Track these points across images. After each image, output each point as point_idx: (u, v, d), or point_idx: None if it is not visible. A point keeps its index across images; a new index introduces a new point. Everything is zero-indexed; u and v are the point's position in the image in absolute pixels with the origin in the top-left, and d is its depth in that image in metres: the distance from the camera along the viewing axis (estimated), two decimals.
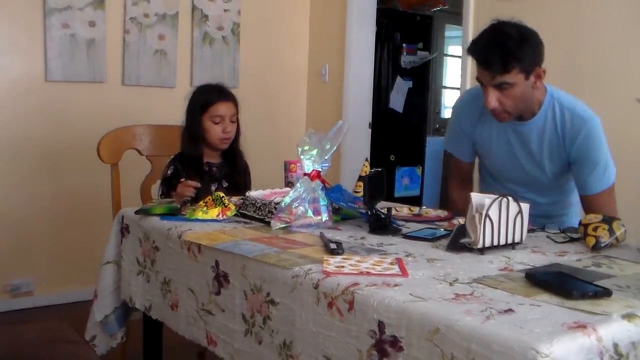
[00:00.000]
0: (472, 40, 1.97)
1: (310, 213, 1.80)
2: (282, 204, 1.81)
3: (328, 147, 1.83)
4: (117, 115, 3.36)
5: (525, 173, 2.08)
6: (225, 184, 2.38)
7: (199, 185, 2.17)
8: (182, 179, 2.23)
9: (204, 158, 2.37)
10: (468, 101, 2.18)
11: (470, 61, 2.52)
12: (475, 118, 2.12)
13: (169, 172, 2.32)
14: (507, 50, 1.81)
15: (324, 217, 1.81)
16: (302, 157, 1.85)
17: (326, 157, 1.84)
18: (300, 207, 1.80)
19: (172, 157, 2.37)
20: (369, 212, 1.82)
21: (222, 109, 2.34)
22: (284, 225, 1.80)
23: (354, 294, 1.24)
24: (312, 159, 1.83)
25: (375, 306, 1.19)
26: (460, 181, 2.32)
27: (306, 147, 1.84)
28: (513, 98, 1.87)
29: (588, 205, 2.00)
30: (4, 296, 3.38)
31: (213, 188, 2.32)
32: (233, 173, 2.41)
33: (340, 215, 1.94)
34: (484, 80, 1.88)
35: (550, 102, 1.98)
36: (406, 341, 1.14)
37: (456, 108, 2.28)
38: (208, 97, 2.36)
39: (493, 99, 1.87)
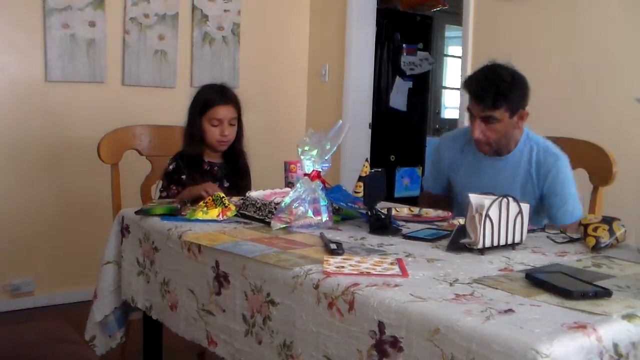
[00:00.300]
0: (469, 76, 2.21)
1: (310, 213, 1.80)
2: (282, 204, 1.81)
3: (328, 147, 1.83)
4: (117, 115, 3.35)
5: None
6: (226, 184, 2.38)
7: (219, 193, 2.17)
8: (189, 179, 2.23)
9: (205, 157, 2.37)
10: (452, 136, 2.43)
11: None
12: (457, 152, 2.32)
13: (171, 167, 2.33)
14: (499, 90, 2.04)
15: (324, 217, 1.81)
16: (302, 157, 1.85)
17: (326, 158, 1.84)
18: (301, 208, 1.80)
19: (174, 154, 2.37)
20: (369, 212, 1.82)
21: (221, 112, 2.32)
22: (284, 226, 1.80)
23: (354, 294, 1.24)
24: (312, 159, 1.83)
25: (376, 306, 1.19)
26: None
27: (306, 148, 1.84)
28: (496, 132, 2.09)
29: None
30: (4, 296, 3.38)
31: None
32: (233, 174, 2.41)
33: (340, 216, 1.94)
34: (474, 111, 2.09)
35: (525, 141, 2.18)
36: (406, 341, 1.14)
37: (440, 141, 2.47)
38: (208, 98, 2.35)
39: (478, 130, 2.09)
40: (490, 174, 2.20)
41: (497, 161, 2.19)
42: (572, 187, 2.14)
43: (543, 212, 2.18)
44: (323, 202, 1.82)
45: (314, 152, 1.83)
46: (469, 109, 2.12)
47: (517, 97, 2.07)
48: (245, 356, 1.53)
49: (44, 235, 3.45)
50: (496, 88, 2.03)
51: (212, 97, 2.35)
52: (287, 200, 1.81)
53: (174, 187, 2.28)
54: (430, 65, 5.41)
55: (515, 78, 2.08)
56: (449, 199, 2.41)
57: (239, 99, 2.41)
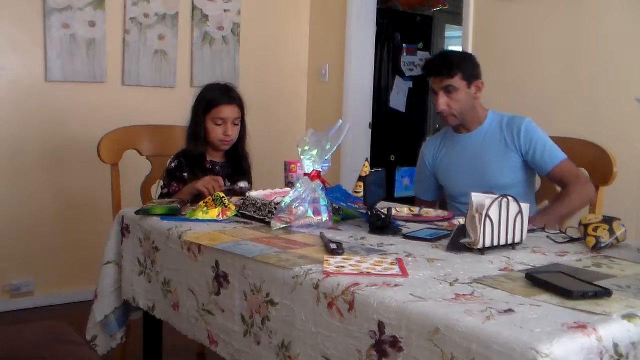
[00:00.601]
0: (424, 61, 2.46)
1: (310, 213, 1.80)
2: (282, 204, 1.81)
3: (328, 146, 1.83)
4: (117, 115, 3.36)
5: (480, 182, 2.22)
6: (227, 184, 2.38)
7: (223, 187, 2.18)
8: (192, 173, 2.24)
9: (207, 156, 2.38)
10: (430, 139, 2.60)
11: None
12: (436, 148, 2.50)
13: (173, 164, 2.33)
14: (451, 60, 2.34)
15: (324, 217, 1.81)
16: (302, 157, 1.85)
17: (326, 157, 1.84)
18: (300, 207, 1.80)
19: (176, 152, 2.37)
20: (369, 212, 1.82)
21: (225, 111, 2.33)
22: (283, 225, 1.80)
23: (354, 294, 1.24)
24: (312, 159, 1.83)
25: (375, 306, 1.19)
26: None
27: (306, 147, 1.84)
28: (458, 102, 2.29)
29: (558, 177, 2.25)
30: (4, 296, 3.38)
31: None
32: (235, 173, 2.41)
33: (340, 215, 1.94)
34: (435, 86, 2.31)
35: (493, 116, 2.37)
36: (406, 341, 1.14)
37: (422, 148, 2.59)
38: (213, 98, 2.35)
39: (443, 101, 2.29)
40: (469, 149, 2.37)
41: (471, 136, 2.37)
42: (545, 136, 2.28)
43: (531, 171, 2.32)
44: (323, 202, 1.82)
45: (314, 152, 1.83)
46: (431, 89, 2.34)
47: (469, 66, 2.32)
48: (244, 356, 1.53)
49: (44, 235, 3.45)
50: (448, 59, 2.34)
51: (216, 97, 2.36)
52: (287, 200, 1.81)
53: (175, 184, 2.29)
54: None
55: (463, 52, 2.41)
56: (436, 205, 2.53)
57: (243, 99, 2.41)
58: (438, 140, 2.51)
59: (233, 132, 2.36)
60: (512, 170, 2.29)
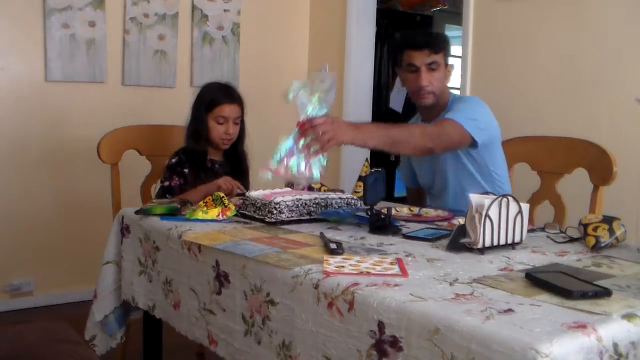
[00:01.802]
0: (400, 36, 2.51)
1: (302, 168, 1.72)
2: (276, 154, 1.73)
3: (327, 93, 1.74)
4: (117, 115, 3.36)
5: (433, 169, 2.30)
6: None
7: (241, 190, 2.20)
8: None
9: (207, 155, 2.38)
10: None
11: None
12: None
13: (174, 160, 2.34)
14: (437, 36, 2.41)
15: (316, 174, 1.75)
16: (299, 102, 1.73)
17: (327, 103, 1.73)
18: (292, 159, 1.73)
19: (176, 149, 2.38)
20: (369, 212, 1.81)
21: (227, 110, 2.35)
22: (270, 176, 1.73)
23: (354, 294, 1.24)
24: (312, 105, 1.72)
25: (375, 306, 1.19)
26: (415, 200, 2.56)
27: (303, 92, 1.72)
28: (438, 80, 2.26)
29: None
30: (4, 296, 3.38)
31: None
32: (234, 172, 2.42)
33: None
34: (418, 61, 2.23)
35: (451, 102, 2.32)
36: (406, 341, 1.14)
37: None
38: (214, 96, 2.37)
39: (426, 77, 2.23)
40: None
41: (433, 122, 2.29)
42: (468, 106, 2.22)
43: (478, 153, 2.25)
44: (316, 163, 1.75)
45: (315, 97, 1.74)
46: (408, 65, 2.25)
47: (449, 48, 2.32)
48: (245, 356, 1.53)
49: (44, 235, 3.45)
50: (435, 35, 2.38)
51: (219, 96, 2.38)
52: (282, 149, 1.72)
53: (176, 179, 2.29)
54: None
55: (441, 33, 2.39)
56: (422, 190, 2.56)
57: (243, 99, 2.43)
58: None
59: (234, 131, 2.38)
60: (455, 156, 2.26)
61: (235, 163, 2.45)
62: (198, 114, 2.37)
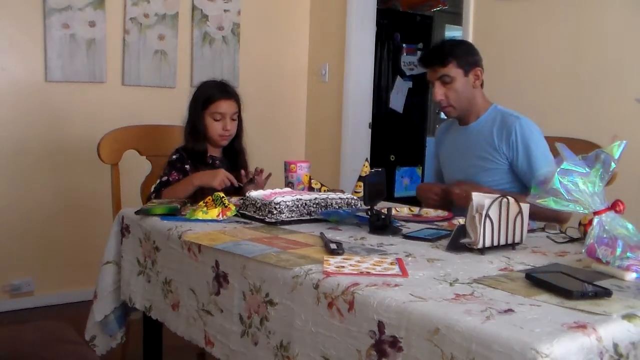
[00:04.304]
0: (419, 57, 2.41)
1: None
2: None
3: None
4: (117, 115, 3.36)
5: (465, 179, 2.22)
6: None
7: (236, 184, 2.21)
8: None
9: (207, 152, 2.39)
10: (443, 123, 2.57)
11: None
12: (443, 132, 2.49)
13: (175, 157, 2.34)
14: (443, 48, 2.25)
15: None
16: None
17: None
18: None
19: (177, 148, 2.38)
20: (369, 212, 1.81)
21: (224, 106, 2.35)
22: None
23: (354, 294, 1.24)
24: None
25: (375, 306, 1.19)
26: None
27: None
28: (455, 92, 2.20)
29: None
30: (4, 296, 3.38)
31: None
32: (233, 169, 2.42)
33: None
34: (431, 77, 2.23)
35: (492, 111, 2.27)
36: (406, 341, 1.14)
37: (436, 133, 2.64)
38: (210, 93, 2.37)
39: (440, 92, 2.21)
40: (461, 143, 2.31)
41: (466, 129, 2.30)
42: (539, 142, 2.16)
43: (516, 177, 2.19)
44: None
45: None
46: (428, 81, 2.26)
47: (463, 52, 2.22)
48: (241, 357, 1.53)
49: (44, 235, 3.45)
50: (440, 48, 2.26)
51: (214, 92, 2.37)
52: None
53: (175, 173, 2.29)
54: None
55: (458, 40, 2.33)
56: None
57: (239, 95, 2.44)
58: (446, 126, 2.48)
59: (232, 127, 2.38)
60: (497, 172, 2.21)
61: (234, 160, 2.45)
62: (195, 112, 2.37)
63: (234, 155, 2.46)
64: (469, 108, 2.25)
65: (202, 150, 2.37)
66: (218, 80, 2.46)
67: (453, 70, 2.18)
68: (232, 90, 2.42)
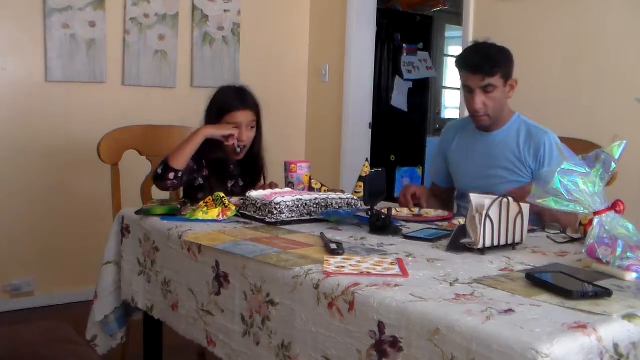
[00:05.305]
0: (459, 55, 2.28)
1: None
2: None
3: None
4: (117, 115, 3.36)
5: (483, 187, 2.11)
6: (241, 183, 2.38)
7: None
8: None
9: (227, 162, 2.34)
10: (452, 123, 2.53)
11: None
12: (452, 136, 2.40)
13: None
14: (491, 57, 2.15)
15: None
16: None
17: None
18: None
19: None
20: (369, 212, 1.81)
21: (239, 117, 2.29)
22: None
23: (354, 294, 1.24)
24: None
25: (375, 306, 1.19)
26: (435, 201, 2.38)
27: None
28: (494, 101, 2.15)
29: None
30: (4, 296, 3.38)
31: (230, 184, 2.33)
32: (248, 175, 2.40)
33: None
34: (473, 84, 2.15)
35: (516, 119, 2.25)
36: (406, 341, 1.14)
37: (442, 132, 2.52)
38: (226, 102, 2.31)
39: (479, 100, 2.14)
40: (480, 149, 2.26)
41: (488, 136, 2.25)
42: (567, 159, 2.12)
43: None
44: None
45: None
46: (465, 85, 2.19)
47: (507, 63, 2.18)
48: (242, 357, 1.53)
49: (44, 235, 3.45)
50: (489, 56, 2.15)
51: (230, 102, 2.31)
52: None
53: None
54: (428, 71, 5.39)
55: (501, 47, 2.20)
56: (451, 192, 2.45)
57: (258, 102, 2.38)
58: (457, 127, 2.41)
59: (247, 137, 2.31)
60: (519, 184, 2.14)
61: (250, 165, 2.40)
62: (209, 120, 2.31)
63: (251, 160, 2.40)
64: (498, 117, 2.21)
65: (222, 159, 2.31)
66: (237, 86, 2.39)
67: (497, 80, 2.13)
68: (250, 98, 2.35)
